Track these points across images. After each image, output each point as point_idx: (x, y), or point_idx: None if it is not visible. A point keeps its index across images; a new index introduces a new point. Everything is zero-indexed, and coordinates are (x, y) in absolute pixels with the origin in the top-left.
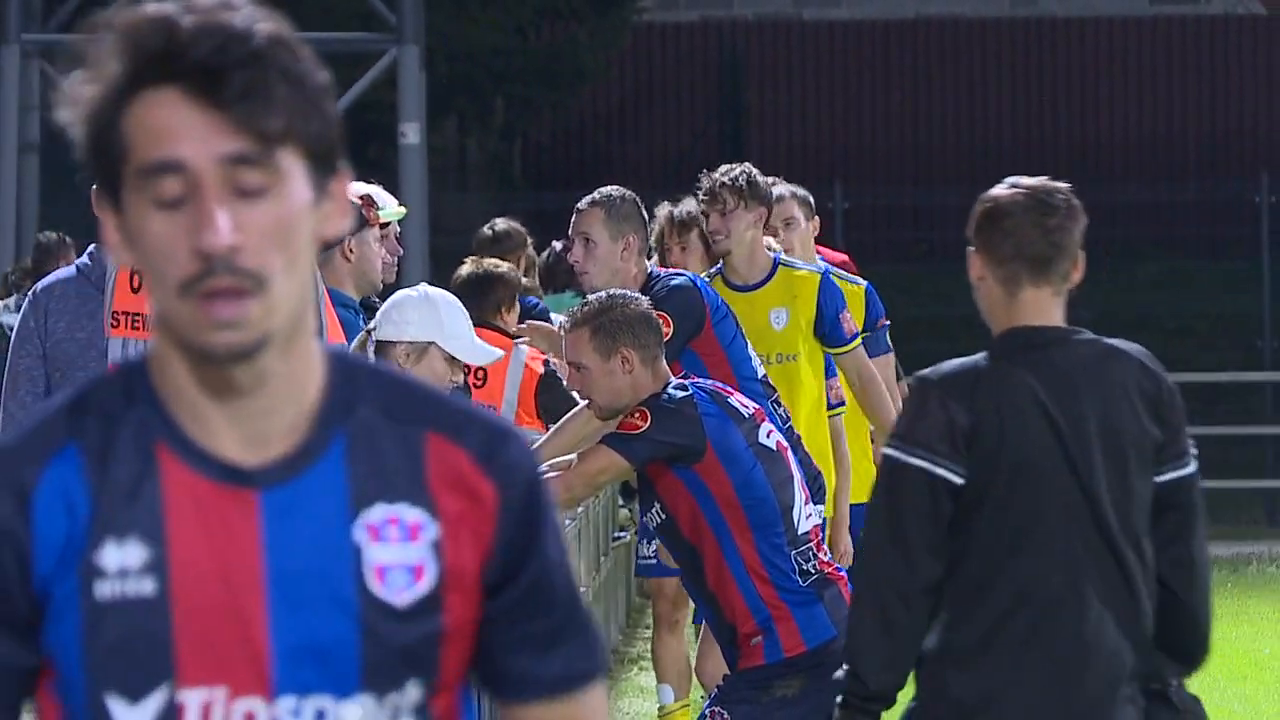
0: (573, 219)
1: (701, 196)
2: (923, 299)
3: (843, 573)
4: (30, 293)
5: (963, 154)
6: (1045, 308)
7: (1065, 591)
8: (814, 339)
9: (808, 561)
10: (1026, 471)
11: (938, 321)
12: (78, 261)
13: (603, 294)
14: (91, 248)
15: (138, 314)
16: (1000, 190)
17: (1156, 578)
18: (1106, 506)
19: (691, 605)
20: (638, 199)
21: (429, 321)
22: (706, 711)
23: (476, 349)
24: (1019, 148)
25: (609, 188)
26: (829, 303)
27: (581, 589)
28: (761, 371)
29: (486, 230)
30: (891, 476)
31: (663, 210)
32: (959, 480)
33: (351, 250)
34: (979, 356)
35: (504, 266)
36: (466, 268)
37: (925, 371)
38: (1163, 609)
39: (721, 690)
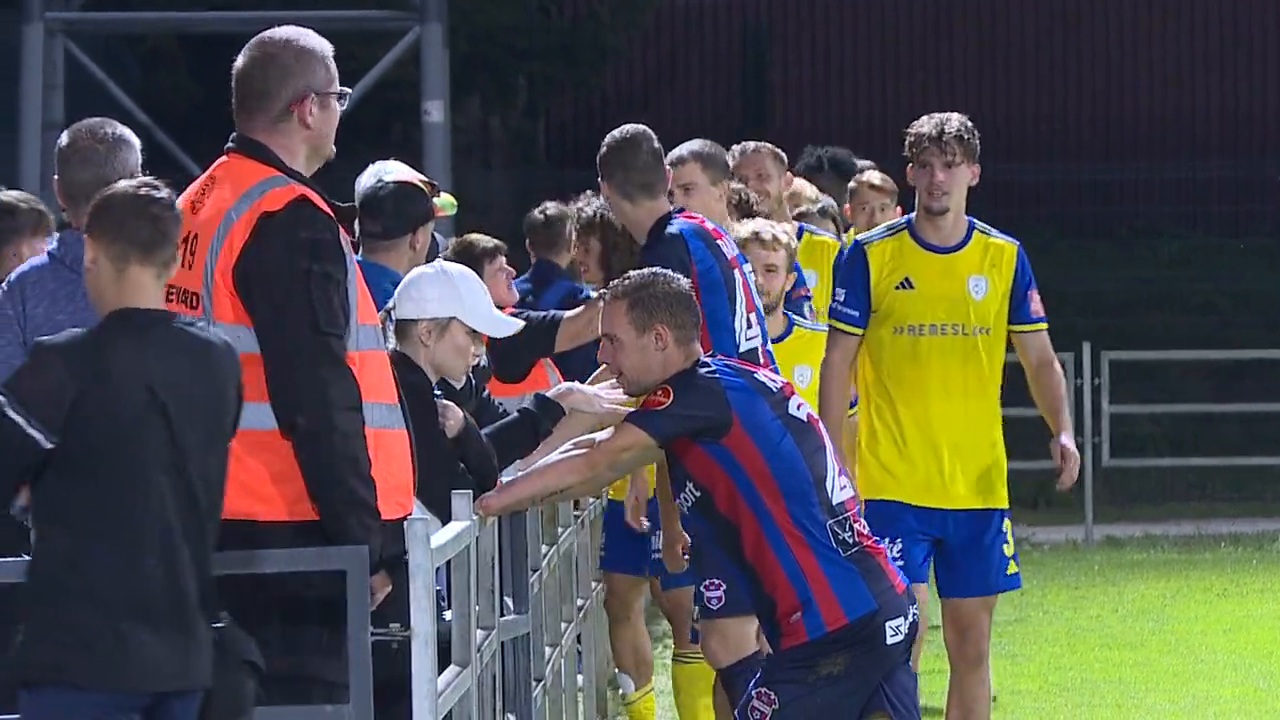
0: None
1: (925, 144)
2: None
3: (881, 545)
4: (4, 282)
5: (985, 131)
6: (149, 289)
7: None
8: (1005, 312)
9: (845, 531)
10: (124, 435)
11: None
12: (49, 249)
13: (645, 270)
14: (62, 232)
15: None
16: (114, 188)
17: None
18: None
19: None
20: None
21: (449, 297)
22: (752, 691)
23: (497, 321)
24: (1042, 125)
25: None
26: (1024, 276)
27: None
28: (746, 346)
29: (538, 214)
30: None
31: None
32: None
33: (419, 240)
34: (93, 328)
35: (474, 237)
36: (450, 247)
37: (45, 338)
38: None
39: (766, 669)
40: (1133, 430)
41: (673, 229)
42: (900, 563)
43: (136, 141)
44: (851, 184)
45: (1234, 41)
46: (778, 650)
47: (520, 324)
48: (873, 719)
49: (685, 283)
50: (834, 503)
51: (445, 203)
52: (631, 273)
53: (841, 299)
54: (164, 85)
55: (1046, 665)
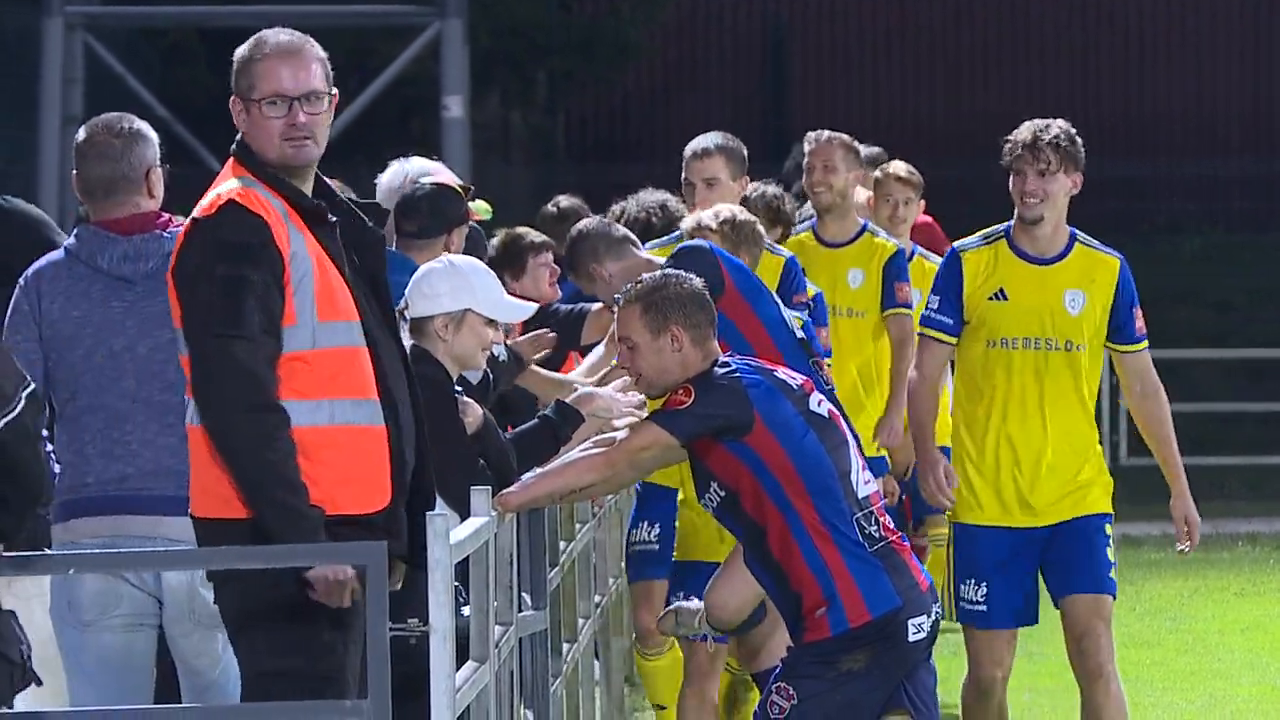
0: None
1: (1019, 150)
2: None
3: (906, 542)
4: (22, 277)
5: (1007, 126)
6: None
7: None
8: (1105, 328)
9: (871, 525)
10: None
11: None
12: (65, 243)
13: (658, 273)
14: (78, 229)
15: None
16: None
17: None
18: None
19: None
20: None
21: (460, 289)
22: (772, 686)
23: (510, 306)
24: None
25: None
26: (1126, 292)
27: (624, 562)
28: (800, 334)
29: (550, 207)
30: None
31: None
32: None
33: (453, 243)
34: None
35: (520, 230)
36: (498, 238)
37: None
38: None
39: (786, 664)
40: None
41: (695, 242)
42: (982, 607)
43: (154, 136)
44: (877, 174)
45: (1255, 39)
46: (799, 645)
47: (533, 307)
48: (893, 717)
49: (699, 283)
50: (859, 497)
51: (481, 208)
52: (644, 275)
53: (936, 306)
54: (183, 79)
55: (1063, 663)
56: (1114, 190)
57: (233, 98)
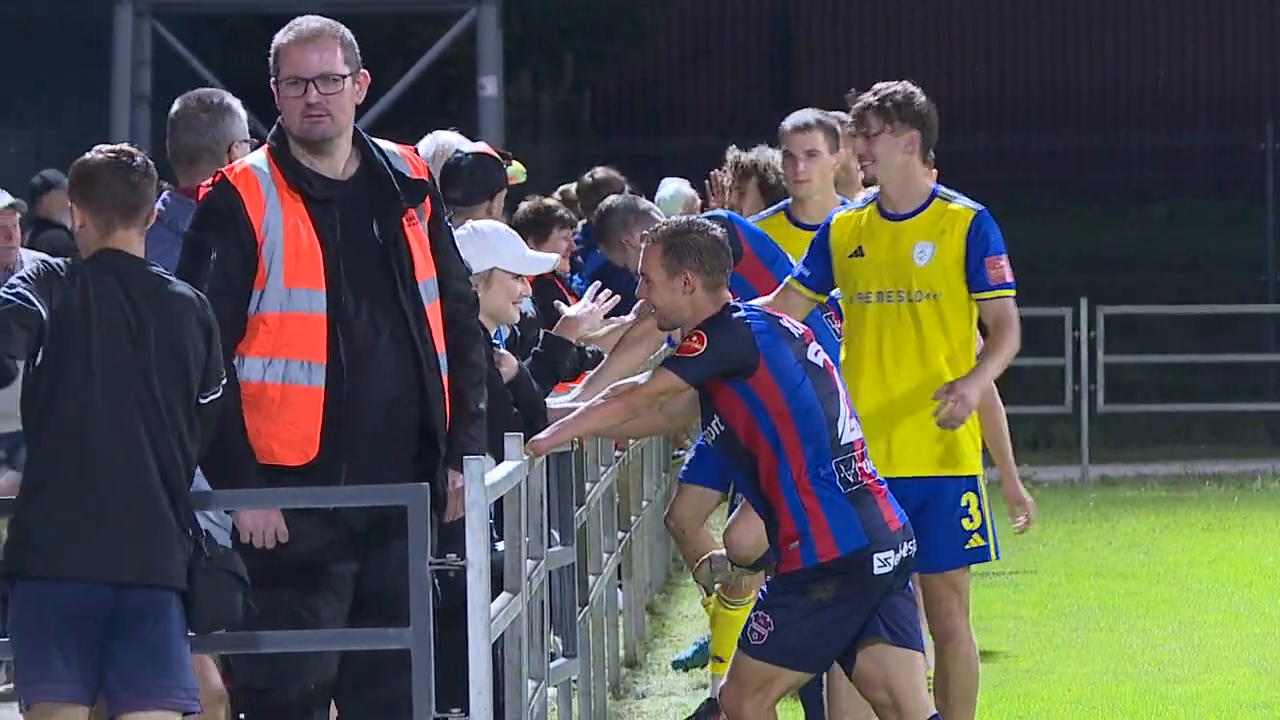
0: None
1: (851, 119)
2: None
3: (883, 485)
4: None
5: (991, 102)
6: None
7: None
8: (961, 277)
9: (849, 470)
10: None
11: None
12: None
13: (684, 218)
14: (165, 194)
15: None
16: (90, 158)
17: None
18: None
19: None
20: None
21: (484, 250)
22: (752, 615)
23: (532, 260)
24: (1045, 97)
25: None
26: (979, 242)
27: (644, 502)
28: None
29: (587, 178)
30: None
31: (731, 154)
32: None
33: (495, 207)
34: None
35: (549, 201)
36: (526, 204)
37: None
38: None
39: (765, 594)
40: (1124, 379)
41: (716, 212)
42: None
43: (242, 112)
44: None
45: (1219, 19)
46: (777, 574)
47: (555, 258)
48: (869, 643)
49: (720, 232)
50: (842, 443)
51: (516, 170)
52: (672, 218)
53: (802, 260)
54: (243, 62)
55: (1045, 593)
56: (1088, 160)
57: (270, 80)
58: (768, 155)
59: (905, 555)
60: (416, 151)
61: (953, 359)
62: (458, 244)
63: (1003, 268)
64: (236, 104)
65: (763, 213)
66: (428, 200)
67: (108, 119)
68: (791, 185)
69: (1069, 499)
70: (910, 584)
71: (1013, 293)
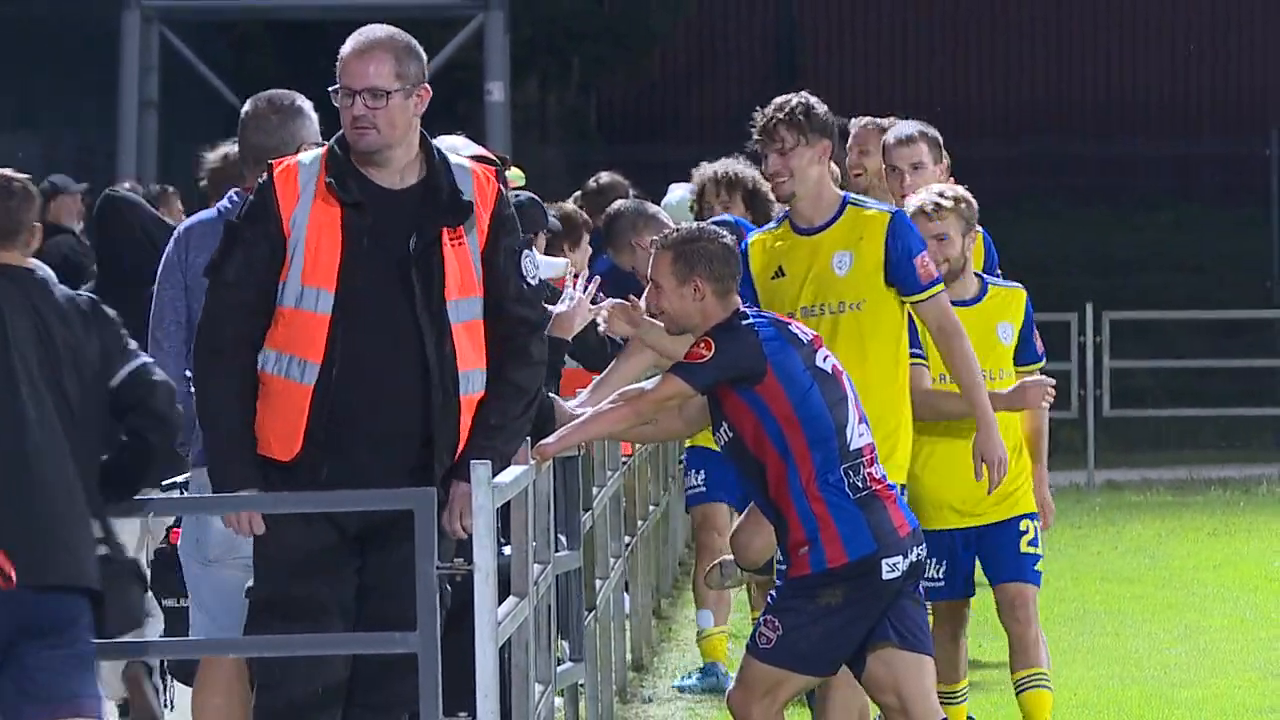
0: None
1: (755, 136)
2: None
3: (893, 490)
4: (175, 231)
5: (999, 109)
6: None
7: None
8: (883, 282)
9: (858, 475)
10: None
11: None
12: (218, 204)
13: (694, 225)
14: (232, 192)
15: None
16: None
17: None
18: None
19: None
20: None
21: None
22: (761, 619)
23: (546, 265)
24: (1051, 104)
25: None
26: (899, 244)
27: (651, 506)
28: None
29: (592, 183)
30: None
31: (705, 170)
32: None
33: (538, 243)
34: None
35: (571, 208)
36: (556, 213)
37: None
38: None
39: (773, 599)
40: (1131, 383)
41: (723, 217)
42: None
43: (313, 115)
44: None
45: (1226, 28)
46: (786, 579)
47: (566, 262)
48: (879, 647)
49: (730, 239)
50: (851, 449)
51: (514, 175)
52: (683, 225)
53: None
54: (253, 68)
55: (1052, 597)
56: (1097, 166)
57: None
58: (738, 168)
59: (915, 560)
60: (499, 174)
61: (883, 363)
62: None
63: (929, 265)
64: (308, 106)
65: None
66: (486, 220)
67: (115, 122)
68: (897, 200)
69: (1075, 503)
70: (919, 588)
71: (943, 286)
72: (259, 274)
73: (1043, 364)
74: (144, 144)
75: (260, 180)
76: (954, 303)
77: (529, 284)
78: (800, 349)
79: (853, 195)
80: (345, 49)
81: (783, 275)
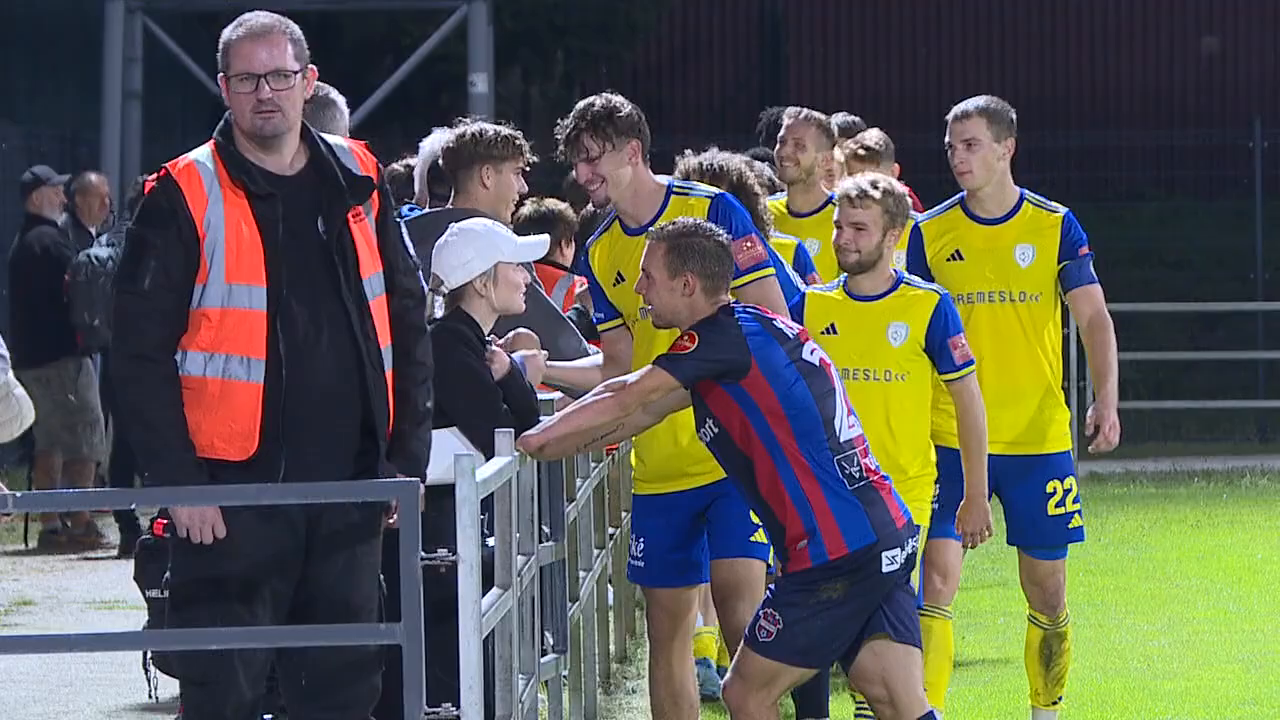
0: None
1: (560, 147)
2: None
3: (888, 480)
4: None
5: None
6: None
7: None
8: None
9: (852, 465)
10: None
11: None
12: None
13: (691, 220)
14: None
15: None
16: None
17: None
18: None
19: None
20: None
21: (485, 248)
22: (760, 612)
23: (530, 245)
24: (1033, 95)
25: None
26: (725, 224)
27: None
28: (795, 299)
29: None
30: None
31: (690, 161)
32: None
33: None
34: None
35: (562, 206)
36: (527, 208)
37: None
38: None
39: (772, 593)
40: None
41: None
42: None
43: (344, 108)
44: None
45: (1209, 22)
46: (785, 574)
47: (546, 239)
48: (874, 639)
49: (724, 237)
50: (841, 440)
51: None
52: (679, 219)
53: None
54: None
55: None
56: (1079, 160)
57: (219, 75)
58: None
59: (910, 552)
60: (368, 148)
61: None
62: (455, 249)
63: (757, 246)
64: (340, 100)
65: (937, 208)
66: (375, 196)
67: (99, 115)
68: (958, 177)
69: None
70: (908, 578)
71: (771, 270)
72: (176, 280)
73: (966, 372)
74: (127, 136)
75: (156, 183)
76: (858, 297)
77: (411, 255)
78: (785, 343)
79: (675, 182)
80: (235, 34)
81: (623, 280)
